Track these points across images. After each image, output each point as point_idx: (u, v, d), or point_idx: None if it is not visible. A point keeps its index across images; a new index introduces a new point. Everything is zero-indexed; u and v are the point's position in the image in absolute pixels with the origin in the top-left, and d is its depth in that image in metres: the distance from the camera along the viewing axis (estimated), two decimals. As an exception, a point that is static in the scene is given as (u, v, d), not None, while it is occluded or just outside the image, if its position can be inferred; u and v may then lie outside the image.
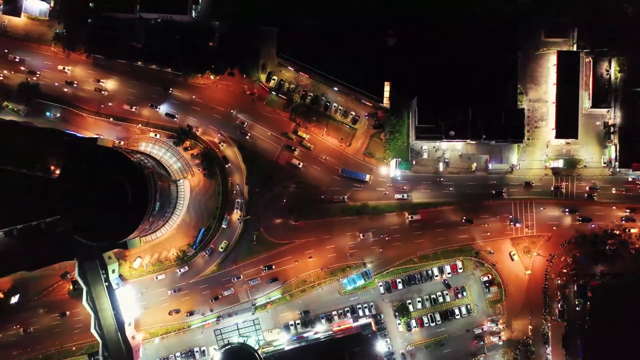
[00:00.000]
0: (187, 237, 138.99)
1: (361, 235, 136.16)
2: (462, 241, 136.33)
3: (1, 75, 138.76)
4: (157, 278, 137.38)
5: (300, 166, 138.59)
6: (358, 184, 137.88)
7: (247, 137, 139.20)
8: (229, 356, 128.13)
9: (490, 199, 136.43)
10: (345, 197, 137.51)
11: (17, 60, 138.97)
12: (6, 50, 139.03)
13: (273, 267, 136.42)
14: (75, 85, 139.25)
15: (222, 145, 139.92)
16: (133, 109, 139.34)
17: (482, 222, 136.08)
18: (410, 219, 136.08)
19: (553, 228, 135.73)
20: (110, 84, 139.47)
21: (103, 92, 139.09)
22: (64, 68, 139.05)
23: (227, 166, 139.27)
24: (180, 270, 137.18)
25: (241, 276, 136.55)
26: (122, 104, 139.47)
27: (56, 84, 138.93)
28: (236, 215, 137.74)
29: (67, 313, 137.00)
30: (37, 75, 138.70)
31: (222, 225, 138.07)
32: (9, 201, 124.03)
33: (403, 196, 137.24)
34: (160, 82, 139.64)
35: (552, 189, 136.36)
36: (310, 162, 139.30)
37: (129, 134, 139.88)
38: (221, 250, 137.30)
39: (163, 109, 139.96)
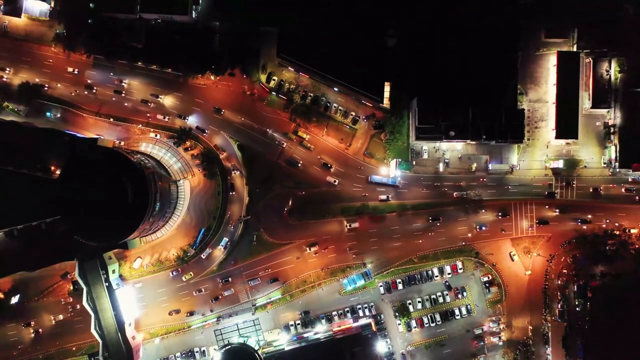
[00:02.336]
0: (187, 237, 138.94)
1: (307, 249, 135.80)
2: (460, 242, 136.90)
3: (46, 86, 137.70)
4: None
5: (336, 183, 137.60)
6: (358, 185, 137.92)
7: (299, 165, 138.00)
8: (229, 356, 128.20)
9: (491, 199, 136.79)
10: (390, 196, 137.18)
11: (76, 72, 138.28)
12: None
13: (230, 279, 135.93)
14: (123, 94, 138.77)
15: (235, 173, 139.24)
16: (166, 119, 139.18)
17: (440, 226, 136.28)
18: (348, 227, 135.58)
19: (506, 232, 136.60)
20: (167, 100, 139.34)
21: (149, 104, 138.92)
22: (121, 81, 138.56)
23: (231, 194, 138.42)
24: (135, 286, 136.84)
25: (202, 289, 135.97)
26: (157, 114, 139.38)
27: (113, 99, 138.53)
28: (219, 251, 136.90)
29: (32, 323, 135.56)
30: (95, 90, 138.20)
31: (202, 255, 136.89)
32: (9, 201, 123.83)
33: (462, 194, 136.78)
34: (216, 104, 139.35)
35: (592, 190, 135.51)
36: (311, 163, 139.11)
37: (129, 135, 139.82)
38: (184, 280, 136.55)
39: (192, 120, 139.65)
